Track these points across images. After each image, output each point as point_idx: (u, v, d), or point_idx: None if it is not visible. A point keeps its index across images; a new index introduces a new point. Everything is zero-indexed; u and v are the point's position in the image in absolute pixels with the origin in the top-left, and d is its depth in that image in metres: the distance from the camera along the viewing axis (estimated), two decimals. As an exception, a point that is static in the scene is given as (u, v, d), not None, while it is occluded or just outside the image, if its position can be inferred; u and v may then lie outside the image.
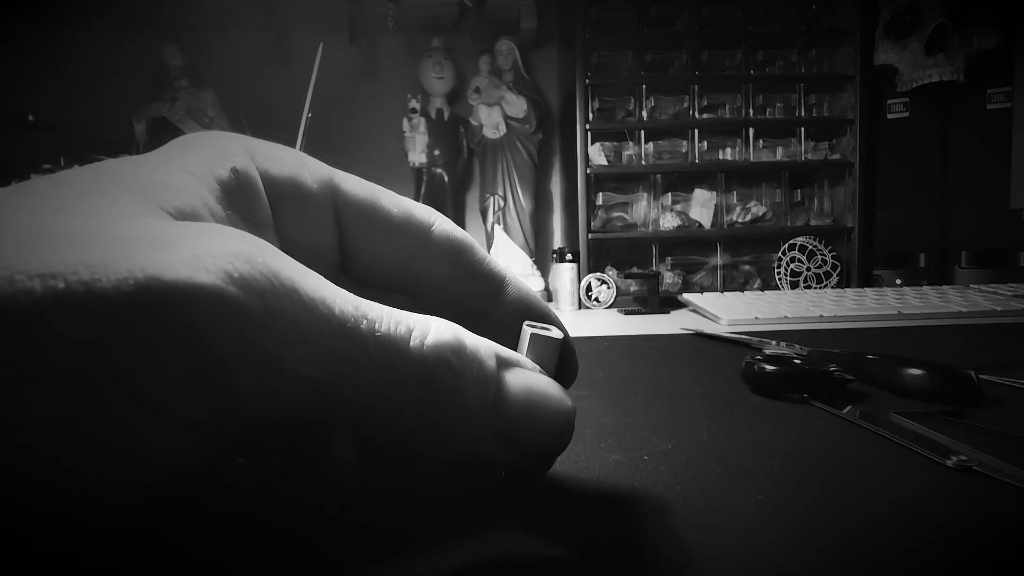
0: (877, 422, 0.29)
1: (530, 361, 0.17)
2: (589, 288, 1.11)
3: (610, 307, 1.10)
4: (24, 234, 0.10)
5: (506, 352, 0.16)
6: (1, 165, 0.91)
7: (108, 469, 0.11)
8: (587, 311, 1.08)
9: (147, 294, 0.10)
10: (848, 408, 0.31)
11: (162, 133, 1.23)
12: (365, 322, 0.13)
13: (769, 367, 0.35)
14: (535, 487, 0.22)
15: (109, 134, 1.24)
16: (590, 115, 1.18)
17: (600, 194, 1.21)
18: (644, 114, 1.20)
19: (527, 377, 0.15)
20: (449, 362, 0.14)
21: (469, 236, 0.20)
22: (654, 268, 1.19)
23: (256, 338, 0.11)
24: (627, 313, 1.00)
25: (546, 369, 0.17)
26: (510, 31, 1.28)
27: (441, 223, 0.20)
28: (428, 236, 0.19)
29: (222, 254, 0.11)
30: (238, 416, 0.12)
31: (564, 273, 1.12)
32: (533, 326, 0.18)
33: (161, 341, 0.10)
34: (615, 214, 1.22)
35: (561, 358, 0.19)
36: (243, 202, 0.16)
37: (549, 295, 1.23)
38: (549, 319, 0.21)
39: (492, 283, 0.20)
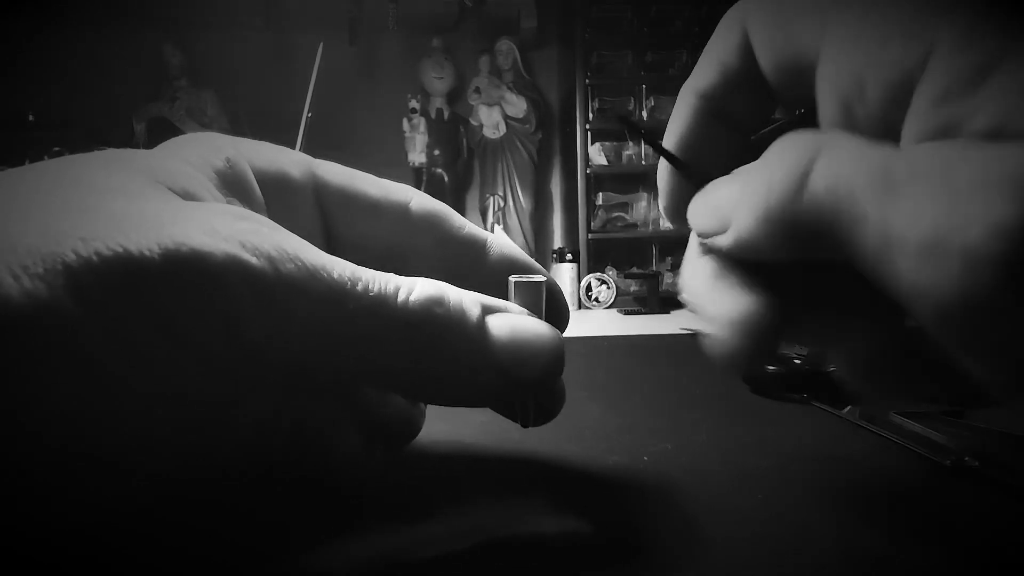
0: (877, 422, 0.29)
1: (516, 306, 0.18)
2: (589, 288, 1.11)
3: (610, 307, 1.10)
4: (73, 211, 0.12)
5: (491, 300, 0.17)
6: (1, 165, 0.91)
7: (154, 403, 0.12)
8: (587, 311, 1.08)
9: (177, 257, 0.12)
10: (848, 408, 0.31)
11: (162, 133, 1.23)
12: (360, 283, 0.15)
13: (769, 367, 0.35)
14: (535, 487, 0.22)
15: (109, 134, 1.24)
16: (590, 115, 1.18)
17: (600, 194, 1.21)
18: (644, 114, 1.20)
19: (512, 318, 0.17)
20: (433, 312, 0.15)
21: (446, 206, 0.21)
22: (654, 268, 1.19)
23: (270, 294, 0.13)
24: (627, 313, 1.00)
25: (534, 312, 0.18)
26: (510, 31, 1.28)
27: (418, 199, 0.21)
28: (406, 212, 0.21)
29: (236, 228, 0.13)
30: (259, 360, 0.13)
31: (564, 273, 1.12)
32: (519, 277, 0.19)
33: (195, 296, 0.12)
34: (615, 214, 1.22)
35: (550, 305, 0.20)
36: (239, 189, 0.18)
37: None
38: (534, 270, 0.22)
39: (474, 247, 0.21)
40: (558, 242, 1.39)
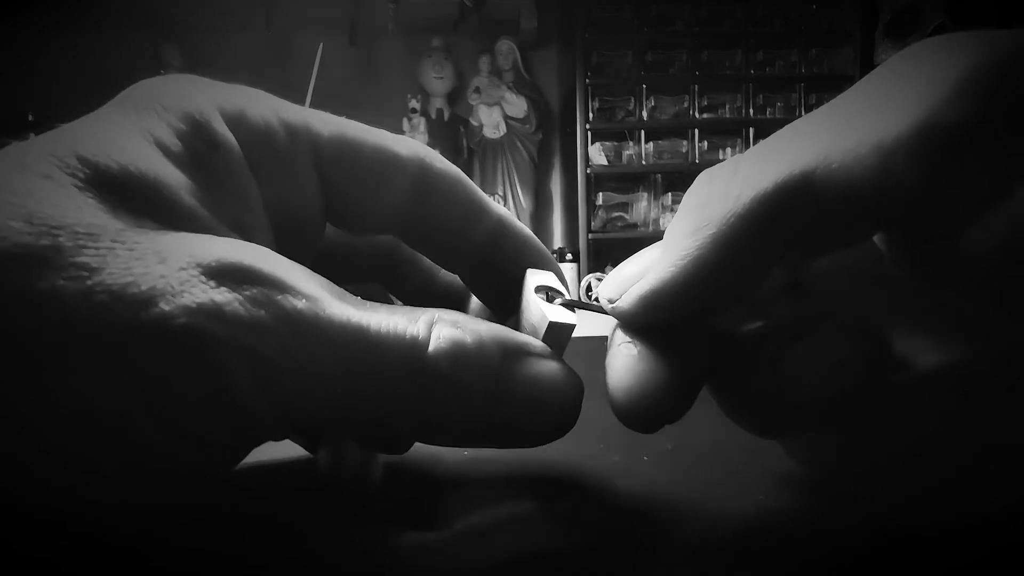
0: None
1: (540, 344, 0.16)
2: (589, 288, 1.11)
3: (610, 307, 1.10)
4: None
5: (513, 340, 0.16)
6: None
7: (131, 473, 0.12)
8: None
9: (177, 345, 0.11)
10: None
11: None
12: (369, 337, 0.13)
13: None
14: (534, 486, 0.22)
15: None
16: (590, 115, 1.18)
17: (600, 194, 1.21)
18: (644, 114, 1.20)
19: (533, 366, 0.16)
20: (448, 366, 0.14)
21: (458, 170, 0.19)
22: (654, 268, 1.19)
23: (273, 376, 0.12)
24: (627, 313, 1.00)
25: (558, 350, 0.17)
26: (510, 31, 1.28)
27: (428, 156, 0.18)
28: (415, 172, 0.18)
29: (238, 300, 0.12)
30: (256, 434, 0.13)
31: (564, 273, 1.12)
32: (555, 316, 0.17)
33: (189, 383, 0.12)
34: (615, 214, 1.22)
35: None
36: (220, 172, 0.15)
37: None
38: (544, 258, 0.21)
39: (488, 220, 0.19)
40: (558, 242, 1.39)
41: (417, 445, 0.26)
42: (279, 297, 0.13)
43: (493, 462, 0.25)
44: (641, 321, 0.16)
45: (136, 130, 0.14)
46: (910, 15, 1.13)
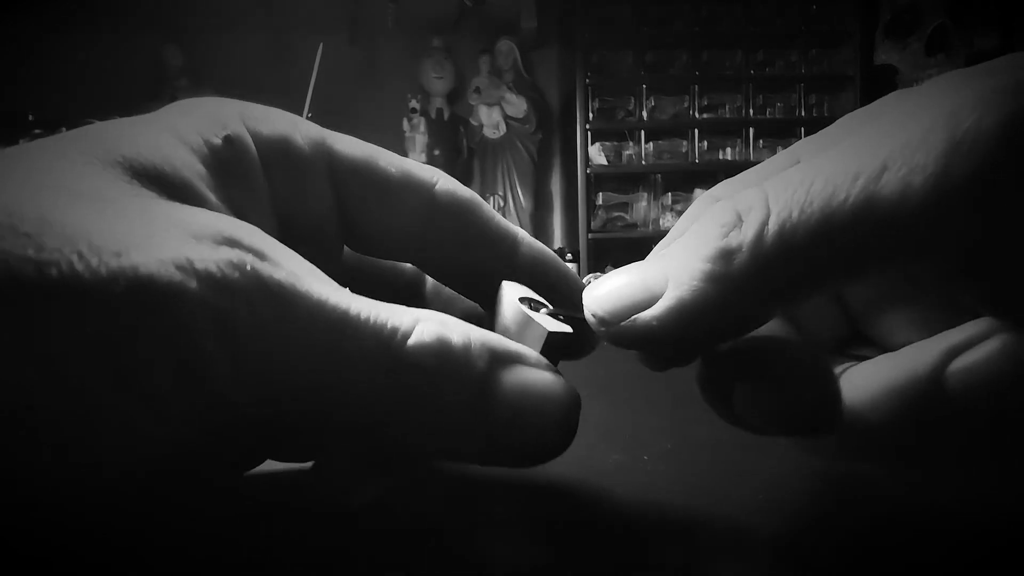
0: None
1: (534, 354, 0.15)
2: (589, 288, 1.11)
3: (610, 307, 1.10)
4: (13, 215, 0.11)
5: (505, 347, 0.15)
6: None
7: (102, 452, 0.11)
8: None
9: (139, 291, 0.11)
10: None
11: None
12: (351, 324, 0.13)
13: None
14: (534, 486, 0.22)
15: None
16: (590, 115, 1.18)
17: (600, 194, 1.21)
18: (644, 114, 1.20)
19: (523, 375, 0.15)
20: (428, 363, 0.13)
21: (475, 195, 0.19)
22: (654, 268, 1.19)
23: (242, 342, 0.12)
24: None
25: (553, 362, 0.16)
26: (510, 31, 1.28)
27: (445, 181, 0.19)
28: (431, 196, 0.18)
29: (216, 259, 0.12)
30: (223, 410, 0.12)
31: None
32: (528, 305, 0.17)
33: (150, 338, 0.11)
34: (615, 214, 1.22)
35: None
36: (237, 170, 0.16)
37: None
38: (567, 278, 0.20)
39: (503, 242, 0.19)
40: (558, 242, 1.39)
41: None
42: (257, 264, 0.12)
43: (493, 461, 0.25)
44: (629, 345, 0.16)
45: (163, 126, 0.15)
46: (910, 15, 1.13)
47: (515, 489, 0.22)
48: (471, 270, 0.19)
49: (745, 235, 0.14)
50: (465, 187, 0.19)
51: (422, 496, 0.21)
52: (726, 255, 0.14)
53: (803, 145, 0.17)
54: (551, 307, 0.17)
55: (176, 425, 0.12)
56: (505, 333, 0.17)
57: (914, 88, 0.14)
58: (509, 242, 0.19)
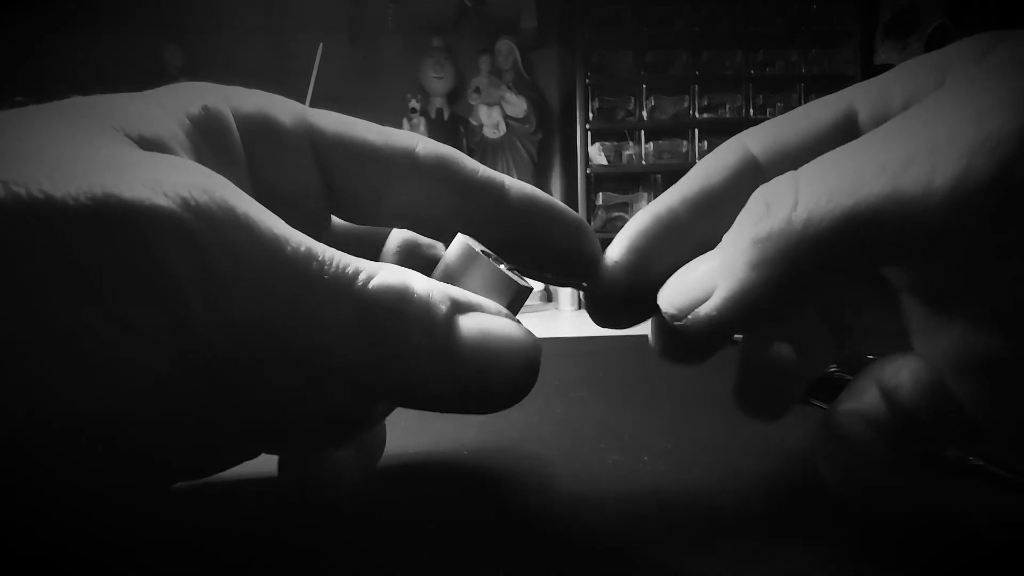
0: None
1: (494, 304, 0.16)
2: (589, 288, 1.11)
3: (610, 307, 1.10)
4: (7, 156, 0.11)
5: (465, 297, 0.15)
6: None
7: (79, 379, 0.11)
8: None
9: (105, 208, 0.11)
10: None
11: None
12: (314, 263, 0.13)
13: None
14: (534, 486, 0.22)
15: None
16: (590, 115, 1.18)
17: (600, 194, 1.21)
18: (644, 114, 1.20)
19: (484, 320, 0.15)
20: (392, 305, 0.14)
21: (454, 149, 0.20)
22: (654, 268, 1.19)
23: (208, 264, 0.12)
24: (627, 313, 1.00)
25: (512, 310, 0.16)
26: (510, 31, 1.28)
27: (424, 143, 0.19)
28: (414, 158, 0.19)
29: (182, 183, 0.12)
30: (193, 337, 0.12)
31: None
32: (507, 268, 0.17)
33: (117, 254, 0.11)
34: (615, 214, 1.22)
35: (576, 247, 0.19)
36: (214, 138, 0.17)
37: (549, 295, 1.23)
38: (560, 221, 0.20)
39: (491, 191, 0.20)
40: (558, 242, 1.39)
41: (417, 442, 0.26)
42: (226, 193, 0.13)
43: (489, 458, 0.25)
44: (700, 338, 0.17)
45: (150, 101, 0.16)
46: (910, 15, 1.13)
47: (515, 489, 0.22)
48: (465, 224, 0.19)
49: (773, 223, 0.15)
50: (443, 144, 0.20)
51: (418, 496, 0.21)
52: (760, 243, 0.15)
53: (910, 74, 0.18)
54: (505, 262, 0.18)
55: (151, 352, 0.12)
56: (461, 284, 0.17)
57: (967, 62, 0.16)
58: (496, 189, 0.20)
